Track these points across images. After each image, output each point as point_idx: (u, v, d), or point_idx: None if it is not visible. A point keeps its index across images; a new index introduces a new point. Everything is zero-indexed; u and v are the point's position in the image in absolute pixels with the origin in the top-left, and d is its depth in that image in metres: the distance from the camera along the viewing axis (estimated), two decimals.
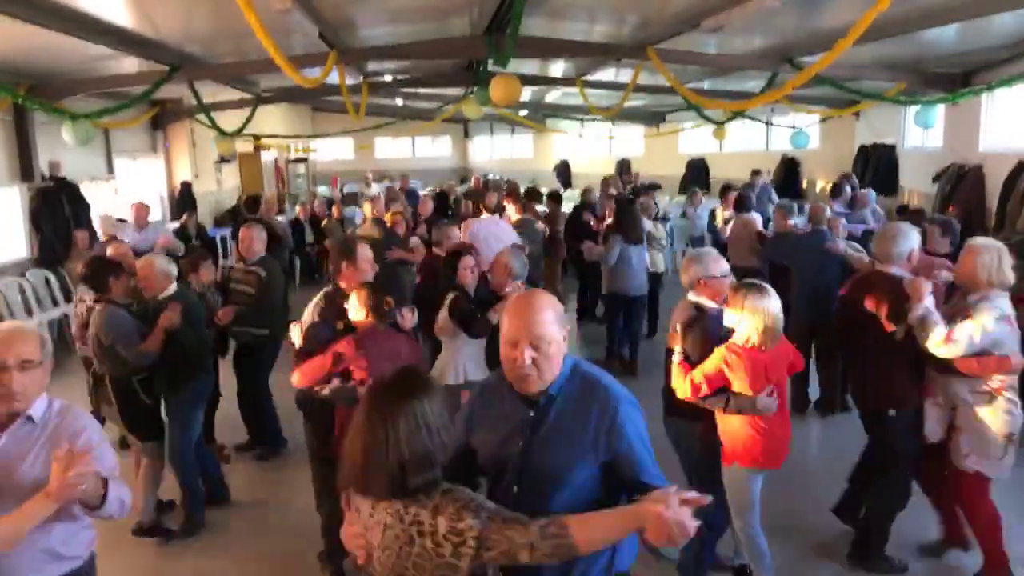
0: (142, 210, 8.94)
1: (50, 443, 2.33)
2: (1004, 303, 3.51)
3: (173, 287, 4.51)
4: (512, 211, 8.11)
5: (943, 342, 3.42)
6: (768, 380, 3.34)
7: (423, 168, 22.96)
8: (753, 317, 3.29)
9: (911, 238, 3.80)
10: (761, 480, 3.52)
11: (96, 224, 8.55)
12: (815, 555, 4.18)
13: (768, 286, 3.38)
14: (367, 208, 8.47)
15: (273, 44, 5.56)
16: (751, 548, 3.57)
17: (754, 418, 3.36)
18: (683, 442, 3.67)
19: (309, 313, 3.88)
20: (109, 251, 5.64)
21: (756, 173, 11.21)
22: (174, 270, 4.57)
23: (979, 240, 3.68)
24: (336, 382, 3.51)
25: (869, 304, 3.70)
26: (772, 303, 3.32)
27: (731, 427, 3.42)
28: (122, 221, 8.24)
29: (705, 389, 3.37)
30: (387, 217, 7.66)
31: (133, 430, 4.54)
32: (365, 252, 3.94)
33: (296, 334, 3.79)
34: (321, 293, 3.96)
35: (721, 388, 3.37)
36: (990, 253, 3.53)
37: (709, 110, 12.13)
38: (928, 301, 3.47)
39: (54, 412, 2.42)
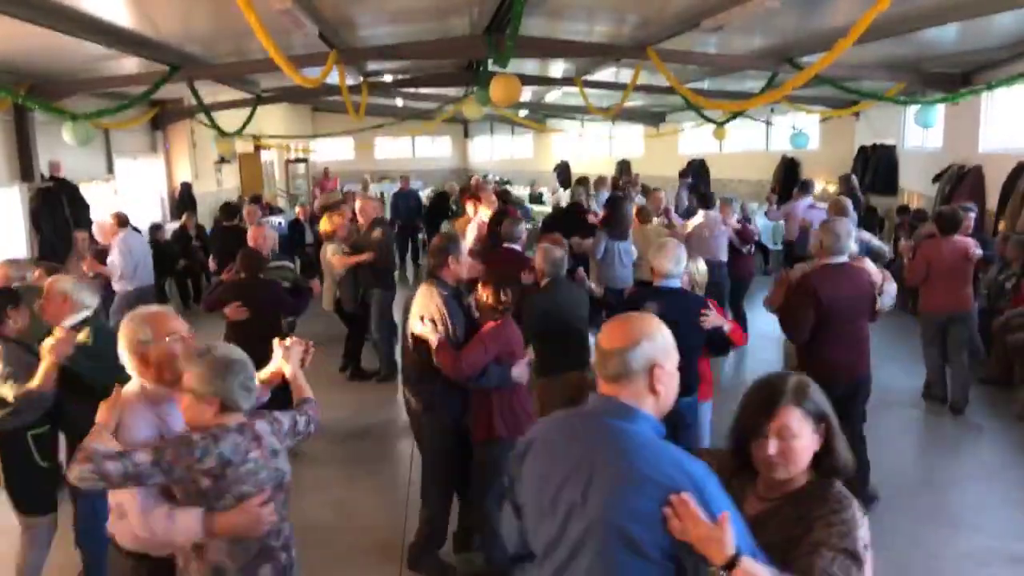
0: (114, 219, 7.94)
1: None
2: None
3: (83, 313, 3.67)
4: (485, 213, 7.89)
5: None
6: None
7: (423, 168, 22.96)
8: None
9: (852, 233, 4.62)
10: None
11: (95, 228, 8.11)
12: None
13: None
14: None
15: (273, 44, 5.56)
16: None
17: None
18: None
19: (426, 309, 3.90)
20: None
21: (683, 175, 13.20)
22: (86, 296, 3.74)
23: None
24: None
25: (866, 288, 4.47)
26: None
27: (705, 371, 4.43)
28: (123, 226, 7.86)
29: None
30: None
31: (20, 502, 3.65)
32: (465, 247, 4.21)
33: (427, 329, 3.83)
34: (432, 290, 3.95)
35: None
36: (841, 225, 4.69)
37: (709, 110, 12.14)
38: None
39: None
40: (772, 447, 1.90)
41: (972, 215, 6.55)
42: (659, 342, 1.87)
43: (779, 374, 2.01)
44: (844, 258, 4.41)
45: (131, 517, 2.33)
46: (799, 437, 1.90)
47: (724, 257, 7.72)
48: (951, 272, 5.95)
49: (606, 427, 1.83)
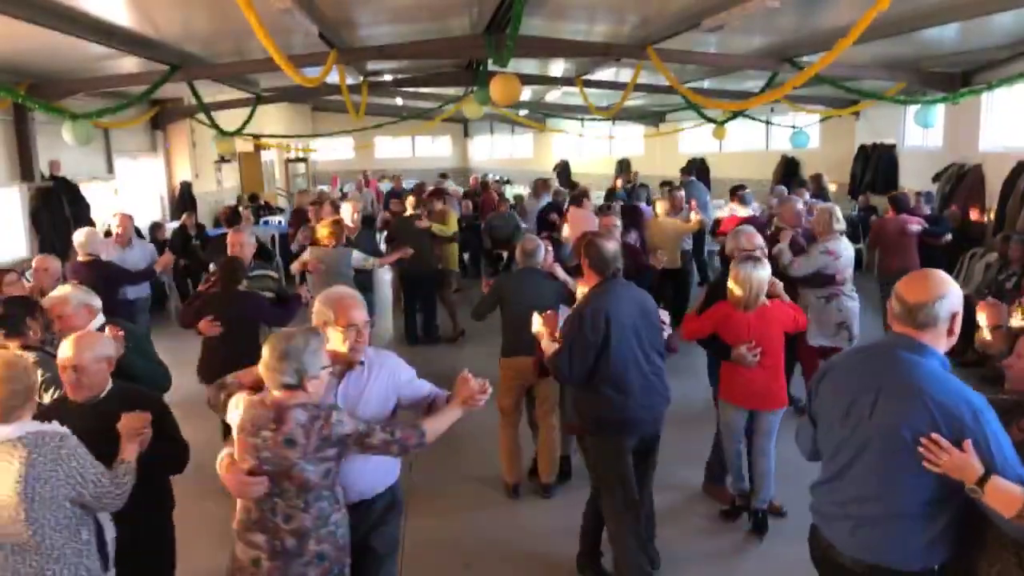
0: (127, 223, 7.36)
1: (376, 381, 2.85)
2: (831, 244, 5.64)
3: (99, 320, 3.74)
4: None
5: (789, 266, 5.60)
6: (749, 336, 4.02)
7: (423, 168, 22.96)
8: (735, 282, 4.04)
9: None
10: (744, 417, 4.22)
11: (76, 238, 6.43)
12: None
13: (763, 259, 4.17)
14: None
15: (273, 44, 5.56)
16: (730, 464, 4.39)
17: (739, 365, 4.06)
18: None
19: None
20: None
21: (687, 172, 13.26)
22: (97, 303, 3.79)
23: (820, 205, 6.42)
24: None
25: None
26: (756, 272, 4.01)
27: (725, 369, 4.22)
28: (108, 235, 7.49)
29: (696, 334, 4.23)
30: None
31: None
32: None
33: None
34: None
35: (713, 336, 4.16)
36: (828, 213, 5.79)
37: (709, 110, 12.13)
38: (785, 243, 5.71)
39: (371, 355, 2.91)
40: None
41: (922, 198, 8.44)
42: (956, 292, 2.24)
43: None
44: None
45: None
46: None
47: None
48: (894, 242, 7.46)
49: (898, 358, 2.24)
